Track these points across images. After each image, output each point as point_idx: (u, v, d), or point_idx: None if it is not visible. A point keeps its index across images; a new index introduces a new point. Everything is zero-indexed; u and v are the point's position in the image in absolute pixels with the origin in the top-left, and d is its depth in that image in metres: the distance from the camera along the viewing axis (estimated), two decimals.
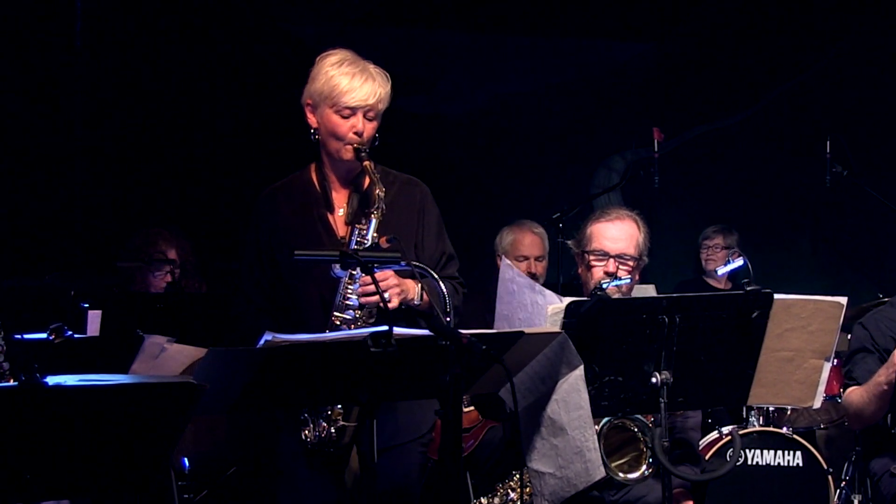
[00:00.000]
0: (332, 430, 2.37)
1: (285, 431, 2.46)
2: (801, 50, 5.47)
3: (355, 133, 2.43)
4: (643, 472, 2.58)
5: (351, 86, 2.42)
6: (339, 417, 2.38)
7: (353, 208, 2.49)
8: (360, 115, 2.43)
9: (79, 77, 3.95)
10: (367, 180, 2.45)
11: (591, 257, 2.83)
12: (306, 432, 2.39)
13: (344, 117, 2.43)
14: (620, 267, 2.81)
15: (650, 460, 2.56)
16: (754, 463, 3.65)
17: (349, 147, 2.44)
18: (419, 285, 2.40)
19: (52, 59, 4.17)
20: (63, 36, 3.97)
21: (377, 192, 2.40)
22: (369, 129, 2.45)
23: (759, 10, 5.40)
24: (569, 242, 2.98)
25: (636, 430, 2.59)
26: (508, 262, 2.47)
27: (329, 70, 2.45)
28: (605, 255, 2.82)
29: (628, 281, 2.76)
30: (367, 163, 2.41)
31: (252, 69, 4.83)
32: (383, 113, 2.49)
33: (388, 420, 2.40)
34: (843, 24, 5.41)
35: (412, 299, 2.44)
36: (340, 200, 2.51)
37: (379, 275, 2.37)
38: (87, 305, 2.65)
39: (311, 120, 2.49)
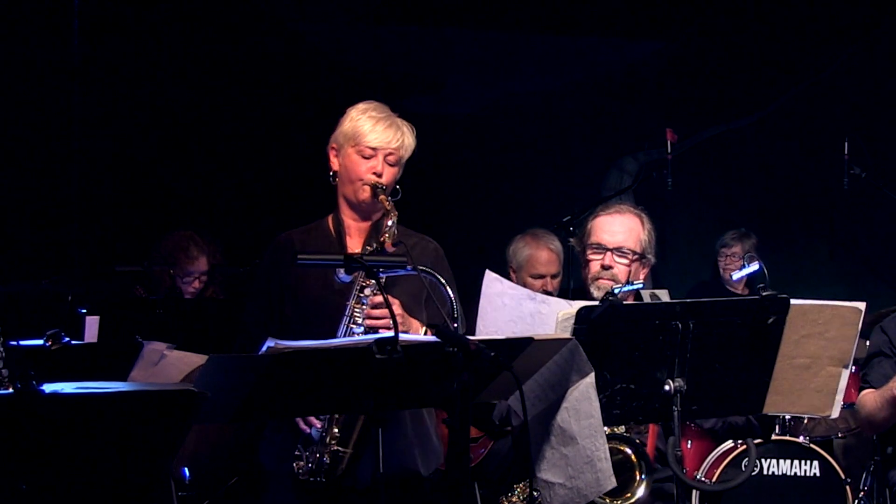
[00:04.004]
0: (326, 458, 2.32)
1: (276, 466, 2.41)
2: (817, 48, 5.40)
3: (374, 174, 2.44)
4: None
5: (375, 128, 2.45)
6: (334, 442, 2.32)
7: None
8: (380, 157, 2.44)
9: (77, 78, 3.92)
10: (385, 231, 2.42)
11: (589, 251, 2.78)
12: (300, 464, 2.34)
13: (365, 157, 2.45)
14: (618, 260, 2.75)
15: (641, 490, 2.50)
16: (770, 473, 3.59)
17: (366, 187, 2.44)
18: (423, 329, 2.37)
19: (50, 59, 4.15)
20: (60, 35, 3.95)
21: (387, 220, 2.38)
22: (389, 173, 2.45)
23: (775, 8, 5.33)
24: (571, 241, 2.93)
25: (630, 451, 2.53)
26: (495, 275, 2.39)
27: (357, 115, 2.49)
28: (603, 249, 2.76)
29: (641, 285, 2.69)
30: (382, 197, 2.41)
31: (257, 68, 4.81)
32: None
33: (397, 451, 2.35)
34: (861, 22, 5.33)
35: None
36: (355, 246, 2.49)
37: (379, 301, 2.33)
38: (84, 311, 2.62)
39: (333, 163, 2.51)
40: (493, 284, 2.36)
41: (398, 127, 2.48)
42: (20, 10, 4.18)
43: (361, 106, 2.52)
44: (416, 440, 2.44)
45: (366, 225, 2.50)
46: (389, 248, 2.37)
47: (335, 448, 2.33)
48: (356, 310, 2.39)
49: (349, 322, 2.39)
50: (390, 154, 2.45)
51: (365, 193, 2.45)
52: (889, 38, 5.33)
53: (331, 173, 2.51)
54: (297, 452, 2.35)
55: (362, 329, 2.38)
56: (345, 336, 2.37)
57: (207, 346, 2.29)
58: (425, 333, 2.37)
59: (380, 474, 2.01)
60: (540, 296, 2.32)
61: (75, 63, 3.89)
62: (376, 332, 2.35)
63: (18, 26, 4.18)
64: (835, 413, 2.46)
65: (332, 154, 2.52)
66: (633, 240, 2.78)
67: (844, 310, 2.38)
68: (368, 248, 2.42)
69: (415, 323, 2.41)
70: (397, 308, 2.35)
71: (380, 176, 2.44)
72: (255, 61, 4.80)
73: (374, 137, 2.44)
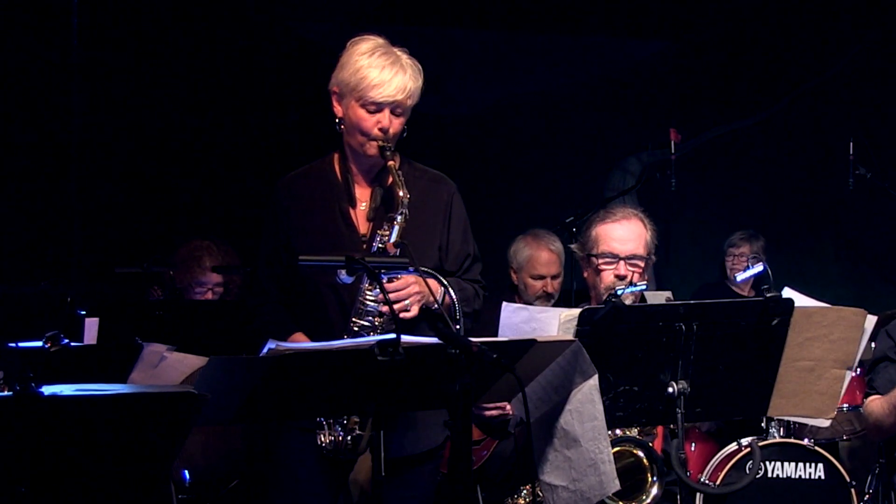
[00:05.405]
0: (349, 439, 2.31)
1: (294, 432, 2.39)
2: (823, 48, 5.37)
3: (380, 129, 2.35)
4: None
5: (381, 79, 2.31)
6: (356, 426, 2.31)
7: (376, 205, 2.42)
8: (386, 112, 2.34)
9: (76, 79, 3.90)
10: (391, 179, 2.37)
11: (600, 261, 2.76)
12: (322, 437, 2.33)
13: (370, 112, 2.34)
14: (630, 269, 2.73)
15: (654, 493, 2.48)
16: (774, 475, 3.56)
17: (373, 143, 2.36)
18: (441, 287, 2.31)
19: (48, 59, 4.13)
20: (59, 34, 3.92)
21: (401, 196, 2.32)
22: (396, 125, 2.36)
23: (780, 7, 5.31)
24: (572, 246, 2.91)
25: (642, 455, 2.51)
26: (515, 305, 2.33)
27: (359, 59, 2.34)
28: (615, 258, 2.74)
29: (645, 287, 2.68)
30: (391, 163, 2.33)
31: (257, 68, 4.79)
32: None
33: (402, 430, 2.34)
34: (866, 21, 5.30)
35: (433, 302, 2.36)
36: (363, 195, 2.43)
37: (401, 281, 2.30)
38: (84, 312, 2.61)
39: (337, 109, 2.40)
40: (515, 314, 2.28)
41: (403, 73, 2.33)
42: (20, 9, 4.16)
43: (363, 47, 2.35)
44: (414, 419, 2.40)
45: (373, 173, 2.42)
46: (391, 250, 2.35)
47: (357, 433, 2.31)
48: (368, 293, 2.33)
49: (361, 306, 2.34)
50: (397, 107, 2.34)
51: (372, 150, 2.36)
52: (894, 38, 5.30)
53: (336, 119, 2.38)
54: (317, 419, 2.32)
55: (376, 311, 2.33)
56: (357, 318, 2.34)
57: (208, 347, 2.28)
58: (444, 295, 2.31)
59: (381, 476, 1.99)
60: (573, 310, 2.23)
61: (75, 63, 3.87)
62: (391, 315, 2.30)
63: (18, 26, 4.17)
64: (826, 422, 2.43)
65: (334, 99, 2.39)
66: (643, 245, 2.77)
67: (849, 312, 2.37)
68: (381, 233, 2.34)
69: (431, 284, 2.33)
70: (414, 286, 2.30)
71: (386, 131, 2.34)
72: (255, 61, 4.79)
73: (378, 93, 2.30)
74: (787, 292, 2.35)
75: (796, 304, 2.32)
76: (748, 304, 2.42)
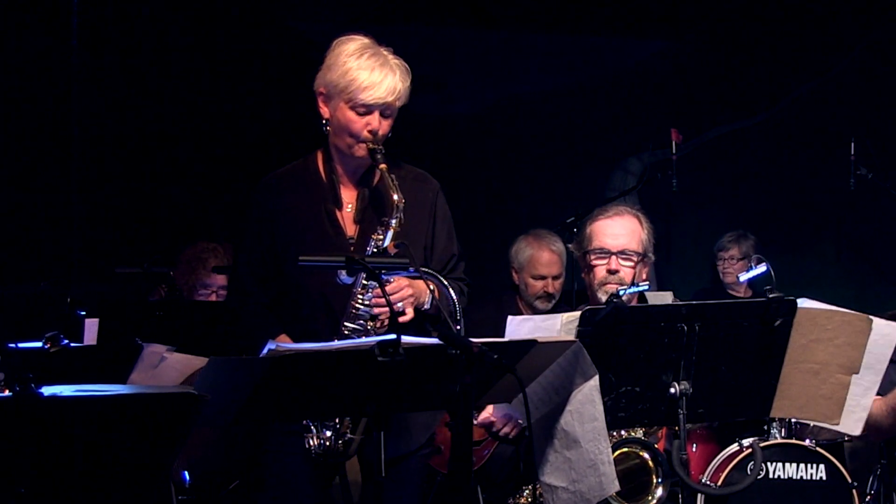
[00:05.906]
0: (340, 443, 2.31)
1: (278, 437, 2.38)
2: (824, 48, 5.36)
3: (370, 131, 2.33)
4: None
5: (371, 81, 2.30)
6: (348, 430, 2.31)
7: (363, 206, 2.41)
8: (376, 114, 2.33)
9: (76, 79, 3.90)
10: (378, 177, 2.37)
11: (592, 256, 2.76)
12: (311, 440, 2.32)
13: (359, 114, 2.33)
14: (623, 264, 2.73)
15: (659, 494, 2.48)
16: (776, 476, 3.55)
17: (362, 145, 2.35)
18: (430, 286, 2.31)
19: (48, 59, 4.12)
20: (59, 34, 3.92)
21: (395, 201, 2.31)
22: (385, 126, 2.36)
23: (780, 7, 5.30)
24: (570, 246, 2.91)
25: (647, 455, 2.51)
26: (520, 318, 2.31)
27: (347, 61, 2.32)
28: (607, 253, 2.74)
29: (647, 287, 2.67)
30: (383, 166, 2.32)
31: (257, 68, 4.79)
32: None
33: (392, 431, 2.32)
34: (867, 22, 5.30)
35: (423, 303, 2.36)
36: (349, 196, 2.42)
37: (392, 285, 2.30)
38: (84, 313, 2.60)
39: (324, 110, 2.38)
40: (521, 325, 2.27)
41: (393, 74, 2.31)
42: (20, 9, 4.16)
43: (351, 47, 2.33)
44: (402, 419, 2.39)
45: (359, 174, 2.41)
46: (392, 251, 2.34)
47: (349, 437, 2.31)
48: (360, 296, 2.33)
49: (353, 309, 2.33)
50: (386, 108, 2.33)
51: (361, 151, 2.35)
52: (894, 38, 5.30)
53: (323, 121, 2.37)
54: (305, 423, 2.31)
55: (368, 314, 2.33)
56: (349, 321, 2.33)
57: (208, 348, 2.27)
58: (432, 296, 2.31)
59: (381, 477, 1.98)
60: (576, 312, 2.21)
61: (75, 63, 3.87)
62: (383, 318, 2.31)
63: (18, 25, 4.16)
64: (857, 430, 2.40)
65: (320, 100, 2.37)
66: (636, 241, 2.76)
67: (853, 317, 2.36)
68: (375, 238, 2.34)
69: (420, 286, 2.35)
70: (407, 288, 2.30)
71: (375, 133, 2.34)
72: (256, 61, 4.79)
73: (369, 95, 2.29)
74: (805, 302, 2.33)
75: (802, 307, 2.31)
76: (751, 304, 2.41)
